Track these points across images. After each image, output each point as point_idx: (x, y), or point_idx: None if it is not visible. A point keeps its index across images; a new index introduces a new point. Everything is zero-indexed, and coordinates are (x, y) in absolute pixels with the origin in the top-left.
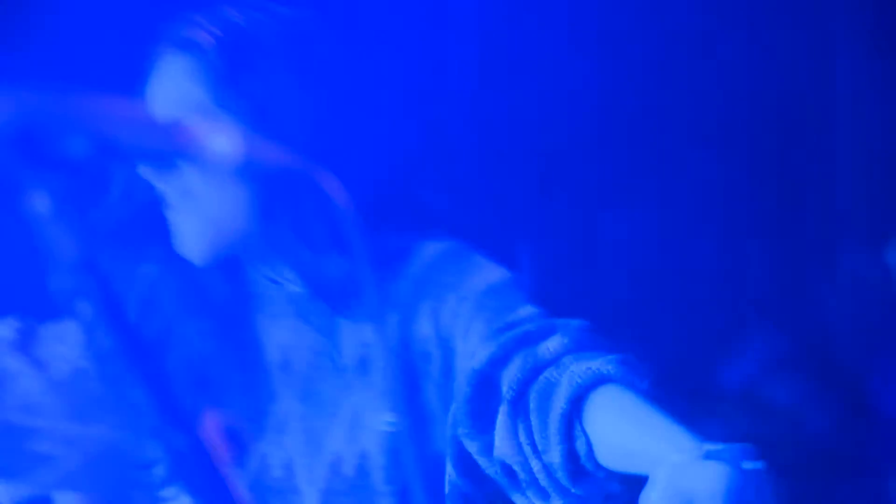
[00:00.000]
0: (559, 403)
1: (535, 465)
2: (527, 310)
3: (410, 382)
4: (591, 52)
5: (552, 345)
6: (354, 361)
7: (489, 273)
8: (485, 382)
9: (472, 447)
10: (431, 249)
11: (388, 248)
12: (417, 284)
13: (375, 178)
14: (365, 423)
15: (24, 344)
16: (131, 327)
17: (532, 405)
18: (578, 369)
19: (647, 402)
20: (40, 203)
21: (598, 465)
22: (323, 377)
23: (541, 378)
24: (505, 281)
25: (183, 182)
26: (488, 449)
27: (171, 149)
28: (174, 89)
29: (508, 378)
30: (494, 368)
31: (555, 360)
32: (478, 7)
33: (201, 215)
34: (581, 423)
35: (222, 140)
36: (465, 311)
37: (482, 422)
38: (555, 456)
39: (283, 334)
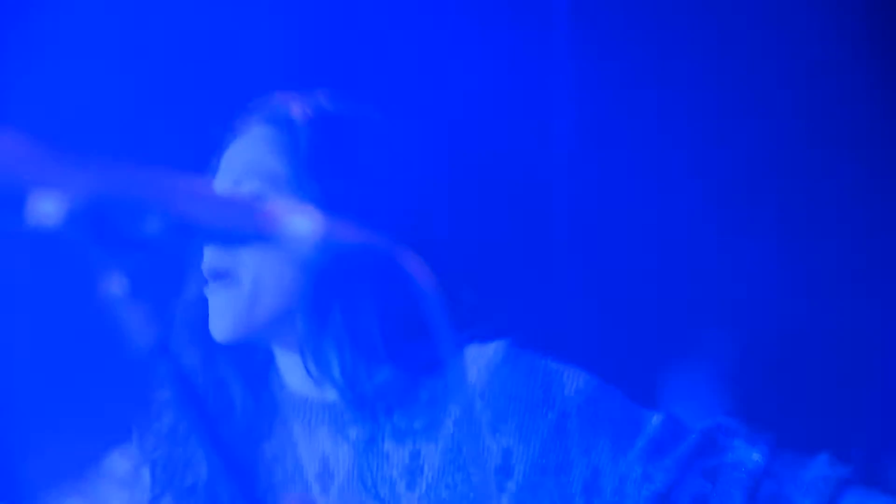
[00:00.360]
0: None
1: None
2: (656, 417)
3: (476, 496)
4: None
5: (750, 454)
6: (398, 470)
7: (572, 379)
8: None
9: None
10: (486, 354)
11: (430, 351)
12: (486, 395)
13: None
14: None
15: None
16: (208, 407)
17: None
18: (811, 478)
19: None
20: (116, 285)
21: None
22: (365, 489)
23: (763, 492)
24: (593, 383)
25: (239, 260)
26: None
27: (247, 226)
28: (255, 159)
29: (715, 497)
30: (677, 489)
31: (767, 473)
32: (557, 107)
33: (246, 296)
34: None
35: (301, 219)
36: (577, 428)
37: None
38: None
39: (321, 443)
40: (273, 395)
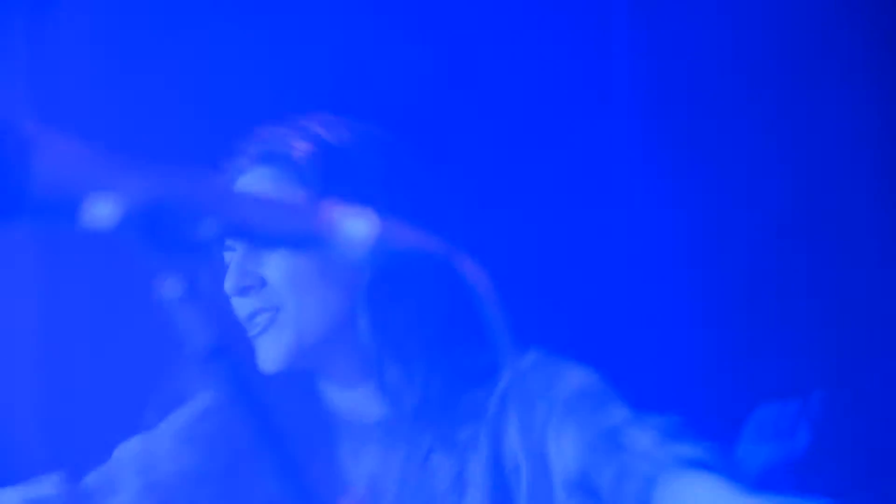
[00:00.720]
0: (640, 491)
1: None
2: (619, 410)
3: (505, 498)
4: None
5: (642, 440)
6: (447, 484)
7: (575, 376)
8: (582, 488)
9: None
10: (518, 363)
11: (476, 366)
12: (505, 399)
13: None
14: None
15: (76, 500)
16: (265, 411)
17: (618, 497)
18: (659, 458)
19: (731, 483)
20: (172, 288)
21: None
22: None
23: (628, 470)
24: (592, 382)
25: (280, 293)
26: None
27: (302, 229)
28: None
29: (604, 478)
30: (589, 473)
31: (643, 453)
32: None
33: (293, 325)
34: None
35: (357, 222)
36: (556, 418)
37: None
38: None
39: (369, 462)
40: (316, 416)
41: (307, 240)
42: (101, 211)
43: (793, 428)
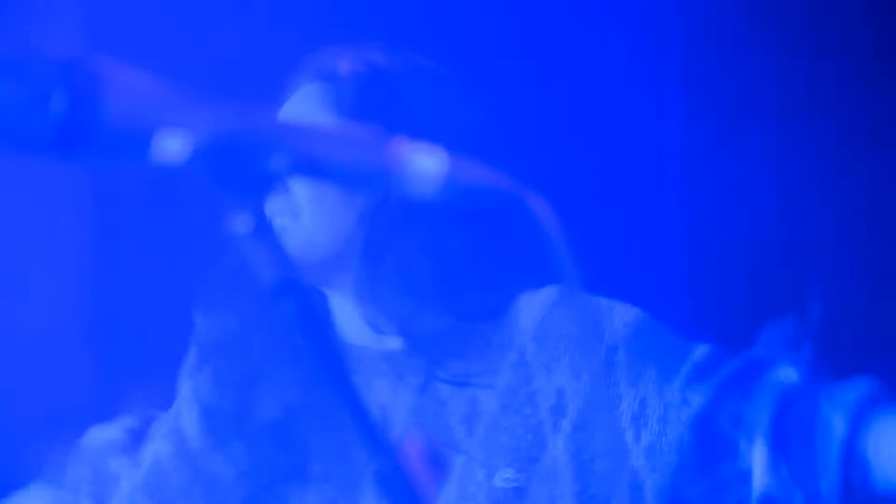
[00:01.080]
0: (837, 430)
1: (798, 495)
2: (702, 348)
3: (532, 437)
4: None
5: (789, 374)
6: (457, 417)
7: (622, 313)
8: (705, 426)
9: (693, 492)
10: (539, 298)
11: (491, 303)
12: (539, 337)
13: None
14: (477, 481)
15: (132, 445)
16: (335, 344)
17: (795, 435)
18: (846, 396)
19: None
20: (243, 223)
21: (872, 490)
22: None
23: (796, 407)
24: (641, 318)
25: (295, 201)
26: (712, 491)
27: (372, 164)
28: (300, 115)
29: (750, 414)
30: (714, 410)
31: (802, 390)
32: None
33: (304, 234)
34: (862, 448)
35: (426, 158)
36: (624, 360)
37: (705, 465)
38: (829, 482)
39: (380, 393)
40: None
41: (375, 175)
42: (172, 146)
43: (797, 343)
